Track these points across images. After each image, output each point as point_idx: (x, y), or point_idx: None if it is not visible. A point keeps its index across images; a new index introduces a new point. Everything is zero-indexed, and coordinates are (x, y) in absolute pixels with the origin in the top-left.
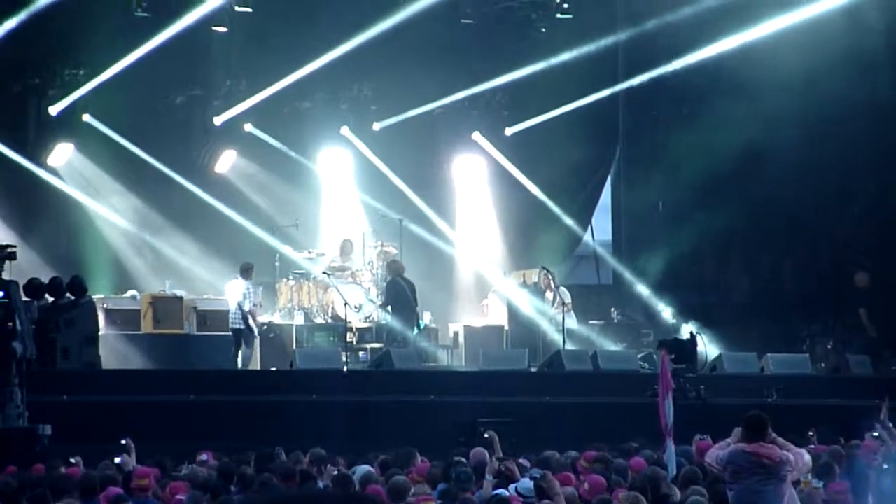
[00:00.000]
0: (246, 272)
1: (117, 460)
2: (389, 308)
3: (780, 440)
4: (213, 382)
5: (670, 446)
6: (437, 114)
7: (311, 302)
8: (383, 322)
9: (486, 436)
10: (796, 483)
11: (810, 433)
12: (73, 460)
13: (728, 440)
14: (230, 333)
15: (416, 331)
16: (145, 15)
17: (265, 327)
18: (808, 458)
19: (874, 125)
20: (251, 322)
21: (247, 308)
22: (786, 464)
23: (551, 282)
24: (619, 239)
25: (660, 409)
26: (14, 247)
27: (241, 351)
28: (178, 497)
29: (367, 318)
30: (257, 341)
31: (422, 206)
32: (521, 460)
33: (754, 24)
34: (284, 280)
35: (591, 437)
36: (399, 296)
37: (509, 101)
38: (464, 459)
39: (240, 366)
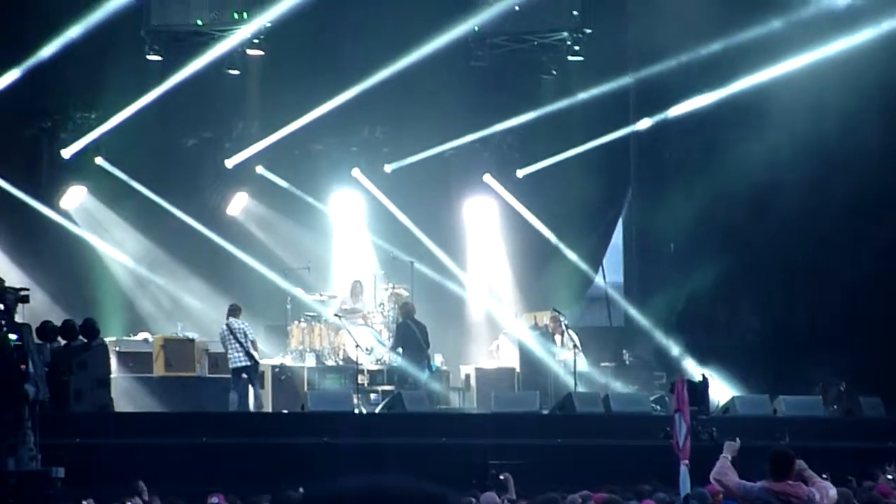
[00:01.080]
0: (237, 311)
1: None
2: (400, 350)
3: (808, 472)
4: (224, 425)
5: (683, 469)
6: (448, 156)
7: (322, 344)
8: (394, 364)
9: (500, 478)
10: None
11: (824, 476)
12: (84, 503)
13: (750, 483)
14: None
15: (427, 373)
16: (157, 58)
17: (277, 369)
18: (833, 492)
19: (885, 166)
20: (255, 354)
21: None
22: (812, 501)
23: (561, 324)
24: (630, 281)
25: (674, 430)
26: (27, 290)
27: (251, 391)
28: None
29: (378, 360)
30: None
31: (433, 248)
32: None
33: (766, 65)
34: (296, 322)
35: (604, 480)
36: (409, 338)
37: (520, 143)
38: (474, 501)
39: (254, 406)
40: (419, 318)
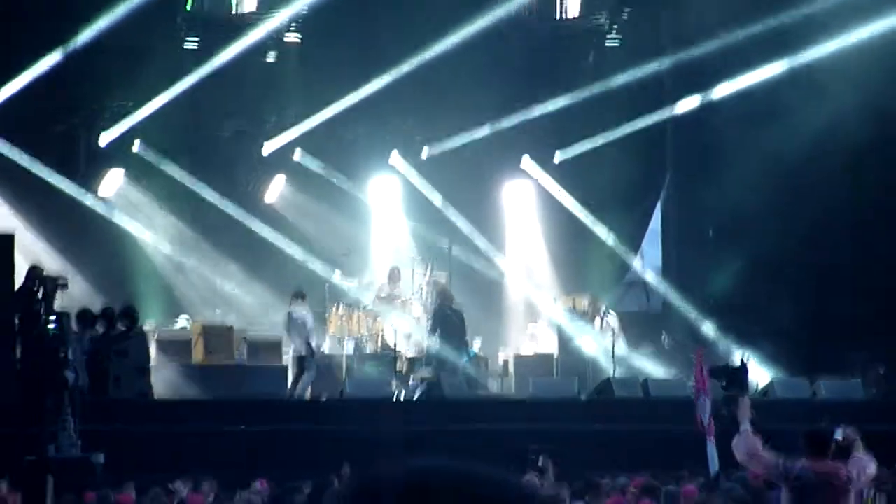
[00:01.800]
0: (303, 297)
1: (171, 487)
2: (438, 337)
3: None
4: (264, 412)
5: (710, 445)
6: (485, 140)
7: (360, 331)
8: (433, 351)
9: (539, 463)
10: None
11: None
12: (124, 489)
13: (789, 462)
14: (281, 364)
15: (465, 359)
16: (194, 45)
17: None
18: (872, 467)
19: None
20: (313, 345)
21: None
22: (852, 481)
23: (600, 309)
24: (669, 265)
25: (695, 407)
26: (66, 277)
27: (303, 377)
28: None
29: (416, 346)
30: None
31: (471, 233)
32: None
33: (805, 47)
34: (334, 309)
35: (642, 465)
36: (447, 325)
37: (557, 127)
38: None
39: (304, 393)
40: (457, 304)
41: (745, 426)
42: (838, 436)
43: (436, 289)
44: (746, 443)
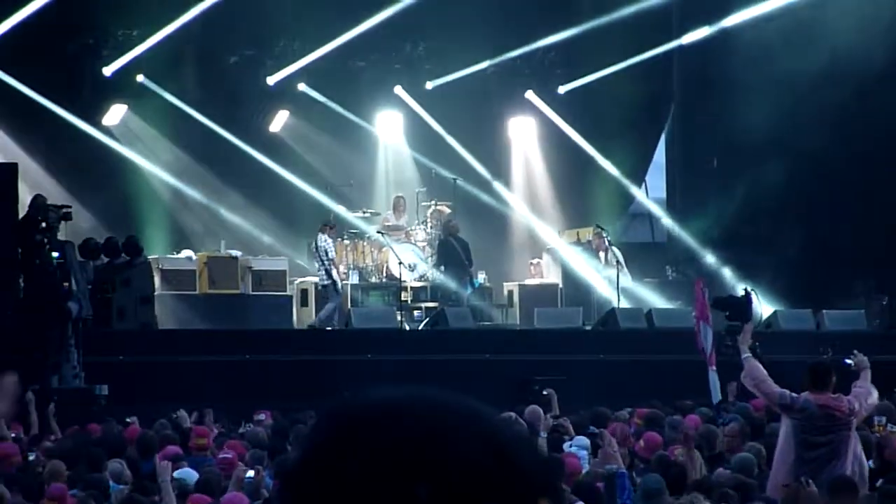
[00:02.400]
0: (331, 226)
1: (175, 415)
2: (443, 268)
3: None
4: (268, 342)
5: (712, 373)
6: (490, 73)
7: (365, 261)
8: (437, 281)
9: (544, 393)
10: (870, 426)
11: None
12: (129, 420)
13: (793, 393)
14: (286, 293)
15: (470, 290)
16: None
17: (320, 287)
18: (874, 396)
19: None
20: (335, 275)
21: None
22: (855, 414)
23: (604, 240)
24: (673, 196)
25: (697, 338)
26: (69, 207)
27: (326, 306)
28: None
29: (421, 277)
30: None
31: (475, 165)
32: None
33: None
34: (339, 239)
35: (646, 395)
36: (451, 255)
37: (562, 60)
38: (516, 416)
39: (325, 322)
40: (462, 236)
41: (746, 353)
42: (849, 361)
43: (440, 219)
44: (753, 369)
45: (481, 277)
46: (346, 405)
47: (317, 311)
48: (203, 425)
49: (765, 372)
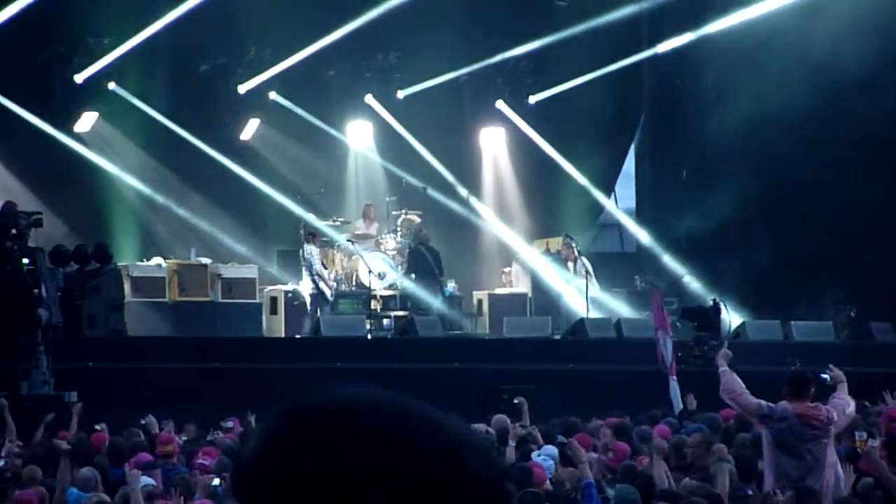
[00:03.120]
0: (309, 237)
1: (144, 421)
2: (413, 276)
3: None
4: (238, 350)
5: (672, 383)
6: (461, 82)
7: (335, 269)
8: (407, 290)
9: (514, 402)
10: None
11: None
12: (98, 427)
13: (770, 403)
14: (256, 301)
15: (440, 298)
16: None
17: (290, 295)
18: (851, 407)
19: None
20: (322, 285)
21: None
22: (833, 423)
23: (573, 250)
24: (642, 207)
25: (656, 348)
26: (40, 214)
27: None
28: (204, 462)
29: (391, 285)
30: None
31: (446, 174)
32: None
33: None
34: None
35: (615, 405)
36: (421, 264)
37: (533, 69)
38: (485, 426)
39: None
40: (433, 243)
41: (723, 367)
42: (825, 375)
43: (411, 228)
44: (729, 382)
45: (451, 286)
46: (306, 402)
47: (286, 320)
48: (167, 433)
49: (742, 384)
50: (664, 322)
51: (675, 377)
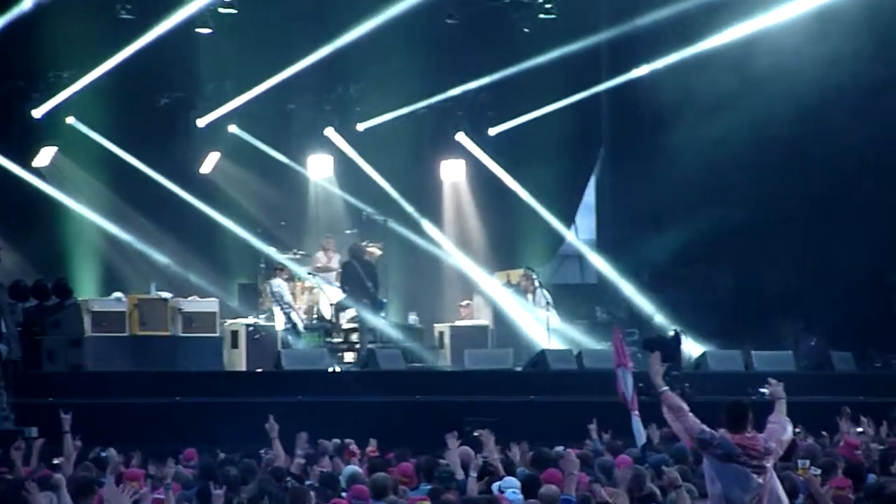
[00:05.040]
0: (275, 271)
1: (104, 454)
2: (347, 290)
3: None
4: (199, 384)
5: (634, 418)
6: (421, 114)
7: (296, 302)
8: (369, 322)
9: (475, 434)
10: (789, 467)
11: (796, 430)
12: (56, 461)
13: (709, 429)
14: (216, 335)
15: (381, 313)
16: (129, 17)
17: (251, 328)
18: (788, 431)
19: (862, 124)
20: (294, 317)
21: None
22: (771, 453)
23: (533, 282)
24: (603, 238)
25: (617, 384)
26: None
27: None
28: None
29: (352, 318)
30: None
31: (406, 207)
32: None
33: (739, 21)
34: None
35: (577, 436)
36: (351, 277)
37: (493, 101)
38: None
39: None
40: (370, 258)
41: (663, 387)
42: (765, 390)
43: (372, 259)
44: (671, 398)
45: (412, 318)
46: None
47: (247, 353)
48: (131, 468)
49: (685, 405)
50: (624, 358)
51: (636, 412)
